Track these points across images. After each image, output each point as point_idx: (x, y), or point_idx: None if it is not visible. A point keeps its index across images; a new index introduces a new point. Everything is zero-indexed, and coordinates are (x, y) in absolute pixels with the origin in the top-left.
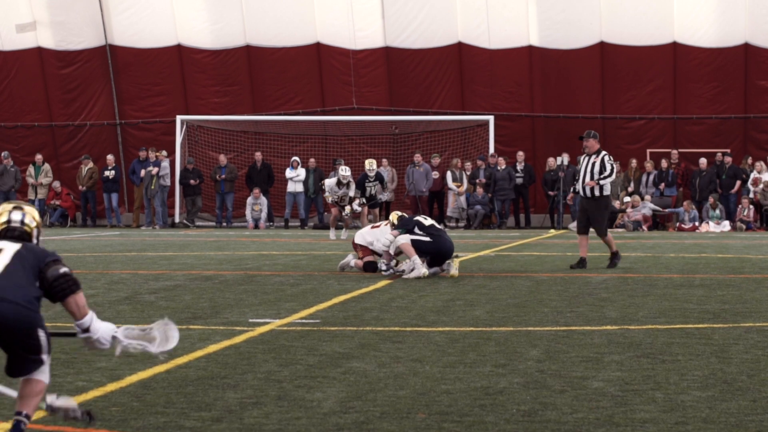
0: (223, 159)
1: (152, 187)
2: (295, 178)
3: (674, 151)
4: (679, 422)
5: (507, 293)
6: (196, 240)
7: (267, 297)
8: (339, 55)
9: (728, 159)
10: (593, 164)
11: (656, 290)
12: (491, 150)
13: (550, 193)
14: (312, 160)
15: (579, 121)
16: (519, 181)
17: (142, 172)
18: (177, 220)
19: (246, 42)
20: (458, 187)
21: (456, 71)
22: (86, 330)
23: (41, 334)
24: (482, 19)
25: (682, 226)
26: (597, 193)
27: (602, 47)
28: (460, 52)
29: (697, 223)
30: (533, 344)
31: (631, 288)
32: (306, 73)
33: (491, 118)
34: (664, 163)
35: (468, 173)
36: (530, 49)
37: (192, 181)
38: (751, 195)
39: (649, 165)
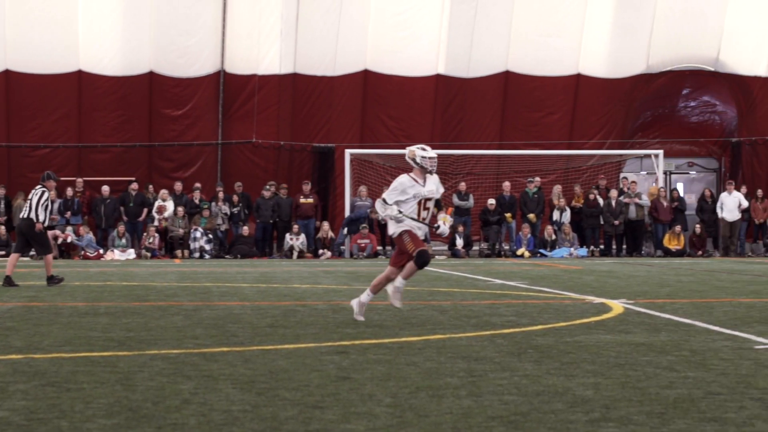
0: None
1: None
2: None
3: (79, 180)
4: None
5: None
6: None
7: None
8: None
9: (134, 186)
10: None
11: (61, 318)
12: None
13: None
14: None
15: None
16: None
17: None
18: None
19: None
20: None
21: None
22: None
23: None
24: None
25: (87, 254)
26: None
27: (80, 75)
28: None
29: (102, 251)
30: None
31: (36, 317)
32: None
33: None
34: (69, 192)
35: None
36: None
37: None
38: (156, 223)
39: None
